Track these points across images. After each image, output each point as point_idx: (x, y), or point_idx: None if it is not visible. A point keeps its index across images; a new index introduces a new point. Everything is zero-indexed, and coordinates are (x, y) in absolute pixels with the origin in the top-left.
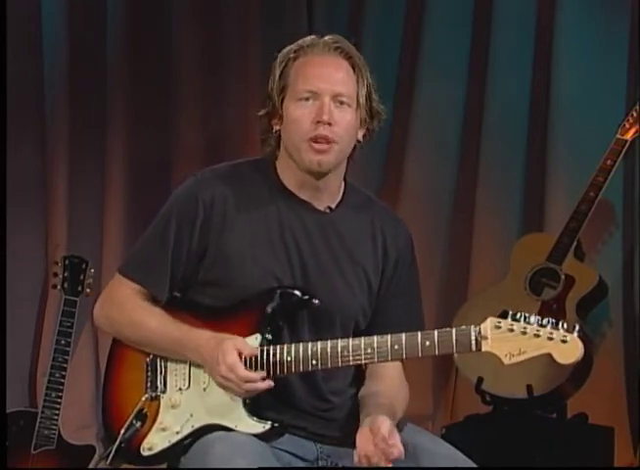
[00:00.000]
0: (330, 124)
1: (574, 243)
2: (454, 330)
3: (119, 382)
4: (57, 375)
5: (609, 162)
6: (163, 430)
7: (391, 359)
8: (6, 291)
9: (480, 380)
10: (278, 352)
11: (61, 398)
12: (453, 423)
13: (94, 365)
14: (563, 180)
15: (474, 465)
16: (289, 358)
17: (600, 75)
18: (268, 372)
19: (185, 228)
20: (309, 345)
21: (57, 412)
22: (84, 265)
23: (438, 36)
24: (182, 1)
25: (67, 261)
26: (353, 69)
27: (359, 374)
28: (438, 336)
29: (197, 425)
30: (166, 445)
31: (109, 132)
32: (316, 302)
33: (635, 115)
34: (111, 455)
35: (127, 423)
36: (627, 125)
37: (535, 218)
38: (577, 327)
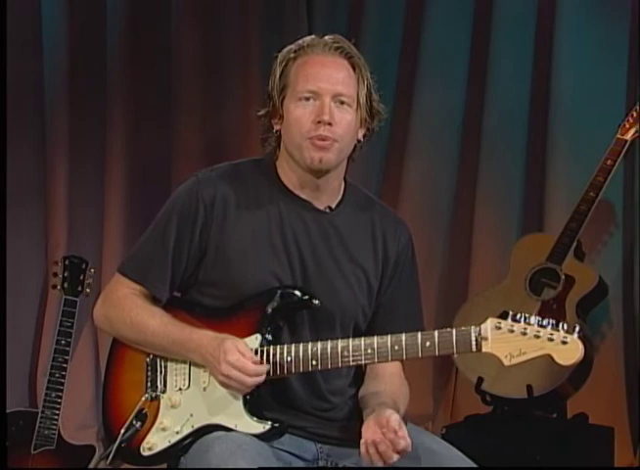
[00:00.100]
0: (330, 124)
1: (574, 243)
2: (454, 331)
3: (119, 382)
4: (57, 375)
5: (609, 162)
6: (163, 430)
7: (392, 360)
8: (6, 291)
9: (480, 380)
10: (278, 352)
11: (61, 398)
12: (453, 423)
13: (94, 365)
14: (563, 180)
15: (474, 465)
16: (289, 359)
17: (600, 76)
18: (268, 372)
19: (185, 228)
20: (309, 345)
21: (57, 412)
22: (84, 265)
23: (438, 36)
24: (182, 1)
25: (67, 261)
26: (354, 68)
27: (359, 374)
28: (439, 336)
29: (197, 425)
30: (166, 444)
31: (109, 132)
32: (316, 302)
33: (635, 115)
34: (111, 455)
35: (127, 423)
36: (627, 125)
37: (535, 218)
38: (578, 328)
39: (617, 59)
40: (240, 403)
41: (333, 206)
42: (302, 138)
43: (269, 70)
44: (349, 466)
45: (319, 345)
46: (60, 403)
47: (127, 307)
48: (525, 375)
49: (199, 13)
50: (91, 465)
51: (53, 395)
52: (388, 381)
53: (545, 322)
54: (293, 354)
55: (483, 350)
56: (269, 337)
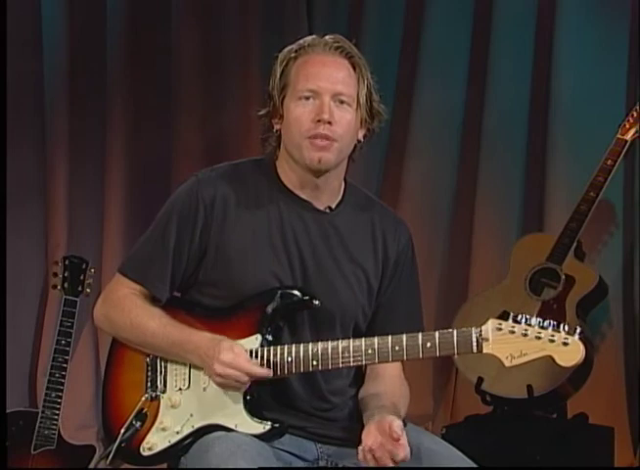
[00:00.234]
0: (330, 123)
1: (574, 243)
2: (455, 331)
3: (119, 382)
4: (57, 375)
5: (609, 162)
6: (163, 430)
7: (392, 360)
8: (6, 291)
9: (480, 380)
10: (278, 352)
11: (61, 398)
12: (453, 423)
13: (94, 365)
14: (563, 180)
15: (474, 465)
16: (289, 359)
17: (600, 76)
18: None
19: (186, 228)
20: (310, 345)
21: (57, 412)
22: (84, 265)
23: (438, 36)
24: (182, 1)
25: (67, 261)
26: (354, 68)
27: (359, 374)
28: (439, 337)
29: (197, 425)
30: (166, 445)
31: (109, 132)
32: (316, 302)
33: (635, 115)
34: (110, 455)
35: (127, 423)
36: (627, 125)
37: (535, 218)
38: (579, 330)
39: (617, 59)
40: (240, 404)
41: (333, 206)
42: (302, 137)
43: (269, 70)
44: (349, 466)
45: (319, 345)
46: (60, 403)
47: (127, 308)
48: (526, 375)
49: (199, 13)
50: (91, 465)
51: (53, 395)
52: (389, 382)
53: (546, 323)
54: (293, 355)
55: (484, 351)
56: (269, 337)
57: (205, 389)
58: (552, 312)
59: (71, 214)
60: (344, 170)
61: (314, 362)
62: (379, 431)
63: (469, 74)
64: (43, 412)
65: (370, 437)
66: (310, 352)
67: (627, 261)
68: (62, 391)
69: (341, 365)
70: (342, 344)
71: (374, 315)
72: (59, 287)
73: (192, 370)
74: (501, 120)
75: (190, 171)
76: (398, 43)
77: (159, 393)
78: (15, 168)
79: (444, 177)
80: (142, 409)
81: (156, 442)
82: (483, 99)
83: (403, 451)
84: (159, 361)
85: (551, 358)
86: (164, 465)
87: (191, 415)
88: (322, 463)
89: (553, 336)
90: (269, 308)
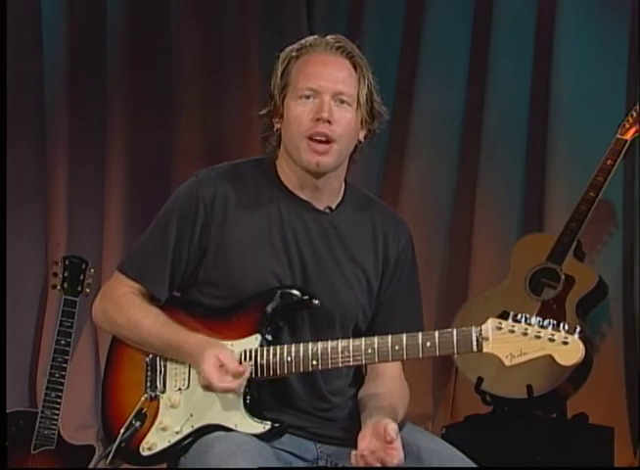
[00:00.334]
0: (329, 122)
1: (574, 243)
2: (455, 331)
3: (119, 382)
4: (57, 375)
5: (609, 162)
6: (163, 430)
7: (392, 360)
8: (6, 291)
9: (480, 380)
10: (278, 352)
11: (61, 398)
12: (453, 423)
13: (94, 365)
14: (563, 180)
15: (474, 465)
16: (289, 359)
17: (600, 76)
18: (268, 372)
19: (185, 228)
20: (309, 345)
21: (57, 412)
22: (84, 265)
23: (438, 36)
24: (182, 1)
25: (66, 261)
26: (355, 68)
27: (359, 374)
28: (439, 337)
29: (197, 425)
30: (166, 444)
31: (109, 132)
32: (316, 302)
33: (635, 115)
34: (110, 455)
35: (127, 423)
36: (627, 125)
37: (535, 218)
38: (579, 329)
39: (617, 59)
40: (240, 403)
41: (333, 206)
42: (301, 137)
43: (269, 70)
44: (349, 466)
45: (319, 345)
46: (60, 403)
47: (125, 306)
48: (526, 375)
49: (199, 13)
50: (91, 465)
51: (53, 395)
52: (388, 382)
53: (546, 323)
54: (293, 355)
55: (484, 350)
56: (269, 337)
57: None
58: (552, 312)
59: (71, 214)
60: (345, 171)
61: (314, 362)
62: (374, 434)
63: (469, 74)
64: (43, 412)
65: (364, 440)
66: (310, 352)
67: (627, 261)
68: (62, 391)
69: (340, 365)
70: (341, 343)
71: (374, 315)
72: (59, 287)
73: (192, 370)
74: (501, 120)
75: (190, 171)
76: (398, 43)
77: (158, 393)
78: (15, 168)
79: (444, 177)
80: (142, 409)
81: (155, 442)
82: (483, 99)
83: (397, 456)
84: (158, 361)
85: (551, 358)
86: (164, 465)
87: (191, 415)
88: (322, 463)
89: (553, 335)
90: (269, 308)
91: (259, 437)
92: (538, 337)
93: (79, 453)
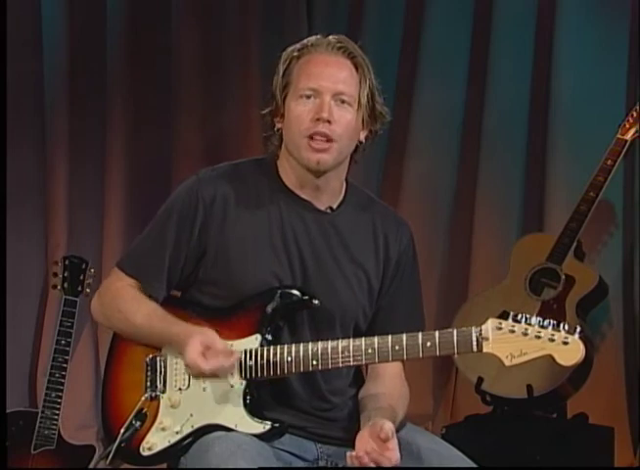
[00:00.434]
0: (329, 122)
1: (574, 243)
2: (455, 331)
3: (119, 382)
4: (57, 375)
5: (609, 162)
6: (163, 430)
7: (392, 360)
8: (6, 291)
9: (480, 380)
10: (278, 352)
11: (61, 398)
12: (453, 423)
13: (94, 365)
14: (563, 180)
15: (474, 465)
16: (289, 359)
17: (600, 76)
18: (268, 372)
19: (185, 227)
20: (310, 345)
21: (57, 412)
22: (84, 265)
23: (438, 36)
24: (182, 1)
25: (66, 261)
26: (356, 69)
27: (359, 374)
28: (439, 337)
29: (197, 425)
30: (166, 444)
31: (109, 132)
32: (316, 302)
33: (635, 115)
34: (110, 455)
35: (127, 423)
36: (627, 125)
37: (535, 218)
38: (579, 329)
39: (617, 59)
40: (240, 403)
41: (334, 206)
42: (301, 136)
43: (269, 70)
44: (349, 466)
45: (319, 345)
46: (60, 403)
47: (121, 299)
48: (526, 375)
49: (199, 13)
50: (91, 465)
51: (53, 395)
52: (389, 383)
53: (546, 323)
54: (293, 355)
55: (484, 350)
56: (269, 337)
57: (204, 389)
58: (552, 312)
59: (71, 214)
60: (346, 171)
61: (314, 362)
62: (371, 436)
63: (469, 74)
64: (43, 412)
65: (362, 442)
66: (310, 352)
67: (627, 261)
68: (62, 391)
69: (340, 365)
70: (341, 343)
71: (375, 315)
72: (59, 287)
73: None
74: (501, 120)
75: (190, 171)
76: (398, 43)
77: (158, 392)
78: (15, 168)
79: (444, 177)
80: (142, 409)
81: (155, 441)
82: (483, 99)
83: (392, 457)
84: (158, 361)
85: (551, 358)
86: (164, 465)
87: (191, 415)
88: (322, 463)
89: (553, 335)
90: (269, 308)
91: (259, 437)
92: (538, 337)
93: (79, 453)
